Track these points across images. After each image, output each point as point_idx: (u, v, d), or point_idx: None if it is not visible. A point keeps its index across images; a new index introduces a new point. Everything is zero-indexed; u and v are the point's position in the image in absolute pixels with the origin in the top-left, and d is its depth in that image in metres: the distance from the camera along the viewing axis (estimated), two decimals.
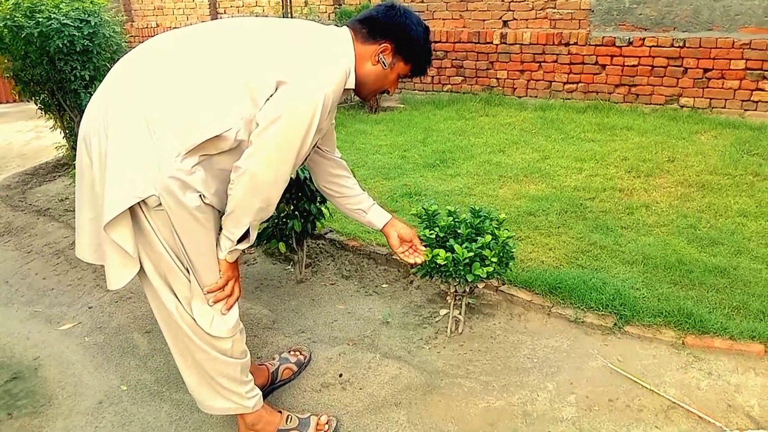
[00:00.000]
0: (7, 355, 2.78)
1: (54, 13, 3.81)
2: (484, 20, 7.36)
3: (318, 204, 3.09)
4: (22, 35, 3.75)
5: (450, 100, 7.20)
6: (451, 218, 2.53)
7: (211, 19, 10.15)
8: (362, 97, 1.95)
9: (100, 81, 4.49)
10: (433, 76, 7.80)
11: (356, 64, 1.80)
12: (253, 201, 1.70)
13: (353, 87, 1.82)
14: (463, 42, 7.44)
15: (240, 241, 1.77)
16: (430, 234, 2.47)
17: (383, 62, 1.83)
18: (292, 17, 6.41)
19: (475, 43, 7.35)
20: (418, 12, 7.76)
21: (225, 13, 10.10)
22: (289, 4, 6.29)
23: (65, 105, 4.35)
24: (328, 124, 1.84)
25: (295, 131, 1.66)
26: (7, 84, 5.18)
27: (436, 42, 7.63)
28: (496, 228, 2.49)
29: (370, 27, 1.82)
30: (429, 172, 4.61)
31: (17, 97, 4.57)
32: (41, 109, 4.48)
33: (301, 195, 3.02)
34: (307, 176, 2.89)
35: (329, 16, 8.23)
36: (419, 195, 4.07)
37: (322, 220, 3.13)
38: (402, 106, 7.29)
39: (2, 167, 5.67)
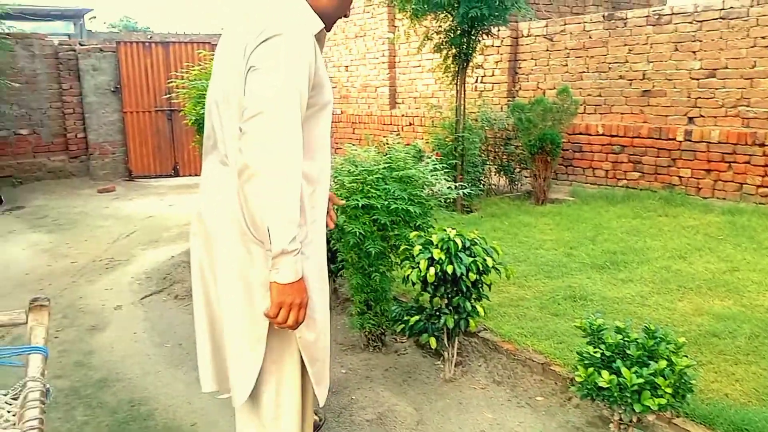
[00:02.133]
0: (170, 416, 2.95)
1: None
2: (666, 116, 6.98)
3: (473, 301, 3.00)
4: None
5: (625, 196, 6.81)
6: (621, 336, 2.30)
7: (390, 108, 10.76)
8: (327, 30, 1.84)
9: None
10: (607, 170, 7.49)
11: (314, 4, 1.75)
12: (270, 199, 1.55)
13: (324, 26, 1.75)
14: (643, 137, 7.09)
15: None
16: (594, 352, 2.26)
17: None
18: (464, 108, 6.56)
19: (656, 138, 6.97)
20: (596, 105, 7.60)
21: (403, 102, 10.65)
22: (463, 96, 6.45)
23: None
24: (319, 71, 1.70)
25: (285, 97, 1.56)
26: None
27: (612, 136, 7.36)
28: (672, 353, 2.21)
29: None
30: (597, 274, 4.32)
31: None
32: None
33: (456, 290, 2.95)
34: (463, 272, 2.82)
35: (502, 108, 8.32)
36: (584, 299, 3.81)
37: (477, 317, 3.02)
38: (572, 199, 7.04)
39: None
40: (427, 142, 8.40)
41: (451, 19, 6.05)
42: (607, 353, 2.26)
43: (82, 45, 10.12)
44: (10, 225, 7.31)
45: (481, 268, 2.90)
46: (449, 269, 2.80)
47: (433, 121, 9.42)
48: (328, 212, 2.03)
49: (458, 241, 2.85)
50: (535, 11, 7.33)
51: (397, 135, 10.43)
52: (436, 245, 2.86)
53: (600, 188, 7.46)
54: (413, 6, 5.80)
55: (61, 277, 5.21)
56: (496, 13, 5.59)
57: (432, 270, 2.81)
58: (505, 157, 7.58)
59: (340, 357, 3.44)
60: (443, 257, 2.82)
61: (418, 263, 2.86)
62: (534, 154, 6.79)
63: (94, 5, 15.80)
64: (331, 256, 3.91)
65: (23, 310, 2.58)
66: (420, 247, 2.92)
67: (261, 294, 1.70)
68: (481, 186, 7.16)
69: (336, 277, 4.14)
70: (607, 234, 5.36)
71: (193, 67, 5.78)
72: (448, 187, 3.37)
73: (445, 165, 3.90)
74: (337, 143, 11.76)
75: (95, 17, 18.01)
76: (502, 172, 7.60)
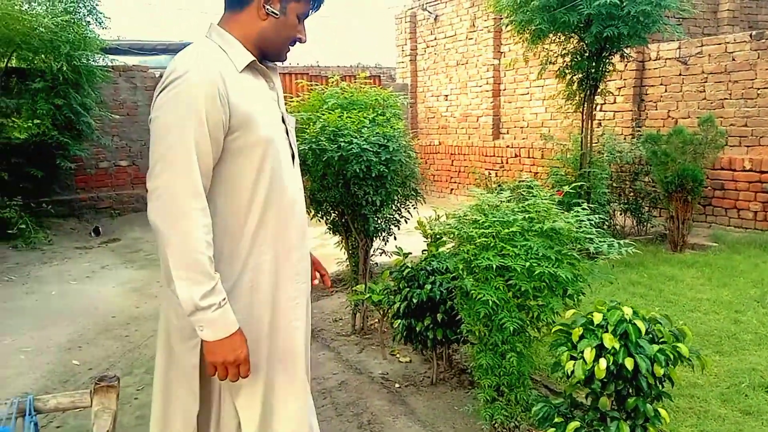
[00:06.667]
0: None
1: (356, 137, 3.69)
2: None
3: (654, 401, 2.23)
4: (324, 158, 3.68)
5: None
6: None
7: (493, 139, 10.05)
8: (277, 58, 1.75)
9: (390, 206, 4.31)
10: (756, 212, 6.41)
11: (244, 35, 1.66)
12: (172, 259, 1.48)
13: (254, 58, 1.65)
14: None
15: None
16: None
17: (273, 12, 1.65)
18: (591, 140, 5.77)
19: None
20: (740, 137, 6.58)
21: (508, 132, 9.92)
22: (590, 126, 5.66)
23: (353, 227, 4.20)
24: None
25: (170, 138, 1.49)
26: None
27: (762, 172, 6.30)
28: None
29: None
30: None
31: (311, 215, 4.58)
32: (330, 229, 4.41)
33: (631, 390, 2.19)
34: (648, 367, 2.07)
35: (625, 138, 7.42)
36: None
37: (658, 424, 2.24)
38: (714, 244, 6.03)
39: None
40: (536, 176, 7.61)
41: (577, 39, 5.31)
42: None
43: None
44: (105, 259, 7.15)
45: (671, 358, 2.15)
46: (628, 363, 2.06)
47: (543, 153, 8.63)
48: (315, 266, 1.99)
49: (640, 324, 2.11)
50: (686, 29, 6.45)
51: (500, 168, 9.72)
52: (606, 328, 2.14)
53: (747, 232, 6.39)
54: (535, 27, 5.10)
55: (148, 322, 4.84)
56: (636, 33, 4.79)
57: (602, 362, 2.09)
58: (632, 194, 6.67)
59: None
60: (617, 346, 2.09)
61: (582, 352, 2.14)
62: (671, 192, 5.86)
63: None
64: (448, 321, 3.27)
65: (87, 391, 2.09)
66: (581, 329, 2.21)
67: (177, 338, 1.64)
68: (607, 229, 6.28)
69: (451, 344, 3.47)
70: None
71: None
72: (609, 245, 2.62)
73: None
74: (434, 177, 11.16)
75: None
76: (628, 212, 6.68)
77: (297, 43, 1.76)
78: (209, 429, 1.73)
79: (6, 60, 7.72)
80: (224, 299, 1.51)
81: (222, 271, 1.58)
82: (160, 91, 1.54)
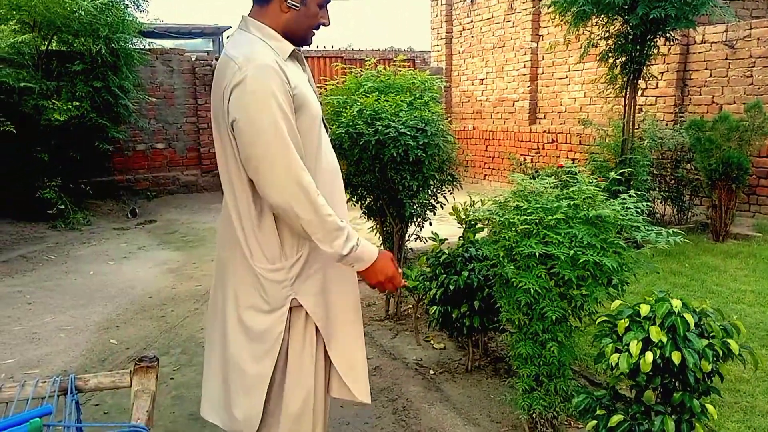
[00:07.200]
0: None
1: (393, 121, 3.64)
2: None
3: (701, 396, 2.16)
4: (360, 142, 3.64)
5: None
6: None
7: (530, 124, 9.88)
8: (303, 43, 1.87)
9: (426, 192, 4.25)
10: None
11: (273, 26, 1.78)
12: (305, 227, 1.69)
13: (294, 47, 1.80)
14: None
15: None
16: None
17: (293, 5, 1.78)
18: (633, 126, 5.62)
19: None
20: None
21: (545, 117, 9.74)
22: (632, 111, 5.51)
23: (388, 212, 4.16)
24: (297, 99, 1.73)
25: (266, 136, 1.64)
26: None
27: None
28: None
29: None
30: None
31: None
32: (365, 214, 4.38)
33: (677, 384, 2.13)
34: (696, 361, 2.00)
35: (667, 124, 7.21)
36: None
37: (705, 420, 2.17)
38: (758, 234, 5.85)
39: None
40: (574, 162, 7.46)
41: (621, 22, 5.15)
42: None
43: (217, 60, 10.15)
44: (141, 240, 7.26)
45: (720, 354, 2.07)
46: (675, 357, 1.99)
47: (581, 139, 8.45)
48: None
49: (689, 318, 2.04)
50: (734, 11, 6.20)
51: (536, 153, 9.55)
52: (653, 320, 2.07)
53: None
54: (578, 9, 4.95)
55: (184, 303, 4.89)
56: (684, 15, 4.61)
57: (648, 356, 2.02)
58: (673, 182, 6.49)
59: None
60: (664, 339, 2.02)
61: (627, 345, 2.07)
62: (714, 180, 5.68)
63: (233, 23, 16.29)
64: (485, 308, 3.22)
65: (127, 372, 2.10)
66: (627, 321, 2.14)
67: (264, 311, 1.82)
68: (647, 217, 6.12)
69: (487, 332, 3.42)
70: None
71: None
72: (657, 234, 2.54)
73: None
74: (467, 162, 11.03)
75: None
76: (669, 200, 6.50)
77: (321, 26, 1.88)
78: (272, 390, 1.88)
79: (47, 43, 7.83)
80: (358, 239, 1.76)
81: (294, 245, 1.81)
82: (231, 91, 1.65)
